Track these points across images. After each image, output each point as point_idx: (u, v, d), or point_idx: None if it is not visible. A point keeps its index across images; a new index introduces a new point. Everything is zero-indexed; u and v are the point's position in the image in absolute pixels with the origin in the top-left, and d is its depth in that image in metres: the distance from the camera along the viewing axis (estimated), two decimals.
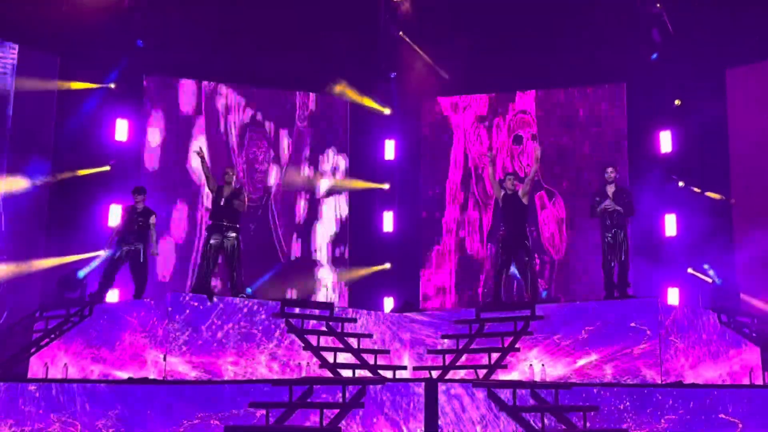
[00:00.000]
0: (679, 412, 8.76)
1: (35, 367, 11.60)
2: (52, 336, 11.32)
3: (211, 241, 11.25)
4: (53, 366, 11.38)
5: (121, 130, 14.77)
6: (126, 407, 9.14)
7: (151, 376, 9.99)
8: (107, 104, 14.61)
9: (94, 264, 13.90)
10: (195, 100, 15.89)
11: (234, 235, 11.36)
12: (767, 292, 13.82)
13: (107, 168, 14.40)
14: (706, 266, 14.03)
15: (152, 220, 11.84)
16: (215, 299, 10.55)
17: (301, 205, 16.42)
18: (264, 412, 8.55)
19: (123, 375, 10.38)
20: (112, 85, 14.65)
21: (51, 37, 14.13)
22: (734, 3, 13.80)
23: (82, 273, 13.53)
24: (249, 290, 14.27)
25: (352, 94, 16.42)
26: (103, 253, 14.12)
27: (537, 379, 10.39)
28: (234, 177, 11.51)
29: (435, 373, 10.70)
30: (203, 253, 11.32)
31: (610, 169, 11.35)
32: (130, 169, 14.82)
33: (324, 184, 16.57)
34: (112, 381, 10.08)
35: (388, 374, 10.87)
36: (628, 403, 8.78)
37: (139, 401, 9.13)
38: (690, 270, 14.16)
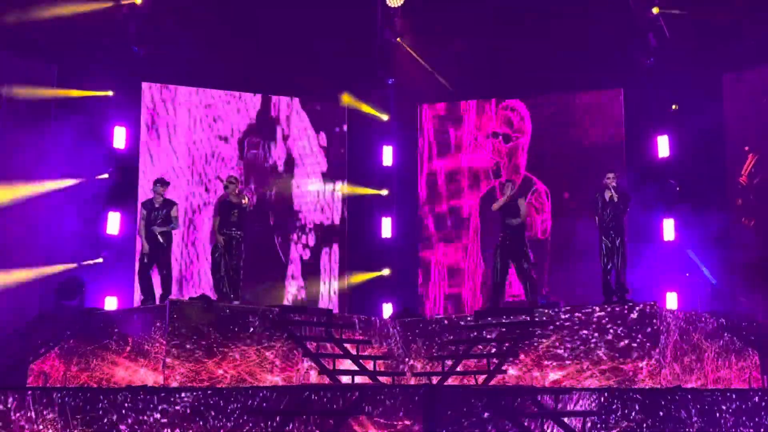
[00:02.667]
0: (678, 417, 8.76)
1: (34, 376, 11.58)
2: (51, 344, 11.30)
3: (221, 250, 11.33)
4: (52, 374, 11.36)
5: (119, 137, 14.77)
6: (125, 415, 9.11)
7: (150, 384, 9.97)
8: (105, 112, 14.59)
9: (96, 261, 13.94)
10: (193, 107, 15.88)
11: (238, 243, 11.43)
12: (766, 295, 13.82)
13: (105, 176, 14.38)
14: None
15: (174, 212, 11.74)
16: (217, 305, 10.56)
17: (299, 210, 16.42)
18: (263, 419, 8.54)
19: (122, 382, 10.36)
20: (110, 93, 14.64)
21: (48, 46, 14.13)
22: (731, 8, 13.82)
23: (80, 281, 13.49)
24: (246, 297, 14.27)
25: (357, 103, 16.44)
26: (100, 261, 14.13)
27: (536, 384, 10.38)
28: (237, 188, 11.55)
29: (434, 379, 10.70)
30: (215, 263, 11.42)
31: (611, 175, 11.37)
32: (128, 177, 14.80)
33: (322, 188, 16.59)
34: (110, 389, 10.06)
35: (388, 380, 10.87)
36: (627, 408, 8.77)
37: (137, 409, 9.10)
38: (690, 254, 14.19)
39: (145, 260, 11.64)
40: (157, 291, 11.77)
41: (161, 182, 11.90)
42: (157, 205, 11.69)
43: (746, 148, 14.42)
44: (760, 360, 11.49)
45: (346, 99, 16.40)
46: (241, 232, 11.60)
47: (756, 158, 14.31)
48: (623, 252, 11.24)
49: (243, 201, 11.57)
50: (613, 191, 11.26)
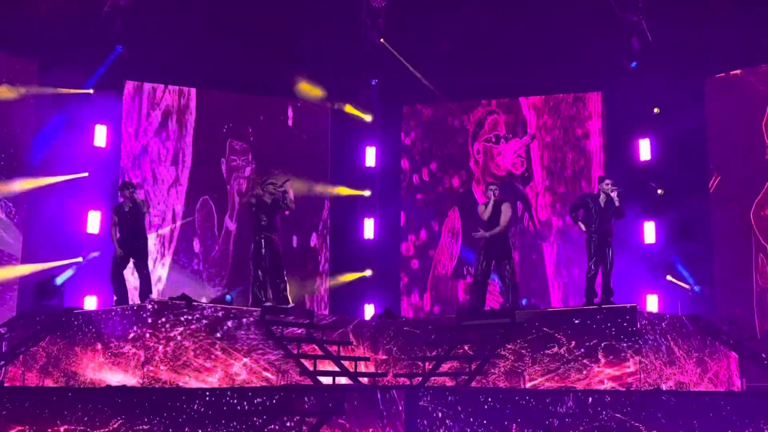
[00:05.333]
0: (657, 419, 8.79)
1: (12, 376, 11.48)
2: (29, 344, 11.21)
3: (263, 252, 11.39)
4: (29, 374, 11.27)
5: (100, 135, 14.66)
6: (102, 415, 9.04)
7: (130, 384, 9.91)
8: (86, 109, 14.49)
9: (70, 272, 13.77)
10: (174, 106, 15.79)
11: (276, 244, 11.55)
12: (745, 299, 13.92)
13: (85, 174, 14.28)
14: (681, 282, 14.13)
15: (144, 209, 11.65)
16: (198, 305, 10.51)
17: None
18: (243, 420, 8.50)
19: (101, 383, 10.29)
20: (91, 91, 14.54)
21: (29, 42, 14.02)
22: (713, 11, 13.91)
23: (59, 280, 13.40)
24: (229, 297, 14.22)
25: (311, 89, 16.34)
26: (80, 260, 14.03)
27: (517, 385, 10.40)
28: (277, 189, 11.55)
29: (415, 380, 10.70)
30: (259, 267, 11.41)
31: (609, 182, 11.29)
32: (108, 175, 14.70)
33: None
34: (89, 389, 9.99)
35: (369, 381, 10.86)
36: (606, 410, 8.79)
37: (116, 409, 9.03)
38: (669, 277, 14.24)
39: (119, 263, 11.54)
40: (133, 292, 11.70)
41: (126, 185, 11.74)
42: (126, 209, 11.53)
43: (711, 167, 14.53)
44: (739, 363, 11.56)
45: (348, 107, 16.34)
46: (276, 234, 11.75)
47: (719, 179, 14.41)
48: (611, 254, 11.25)
49: (284, 202, 11.70)
50: (615, 195, 11.17)
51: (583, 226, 11.28)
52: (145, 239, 11.79)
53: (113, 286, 11.54)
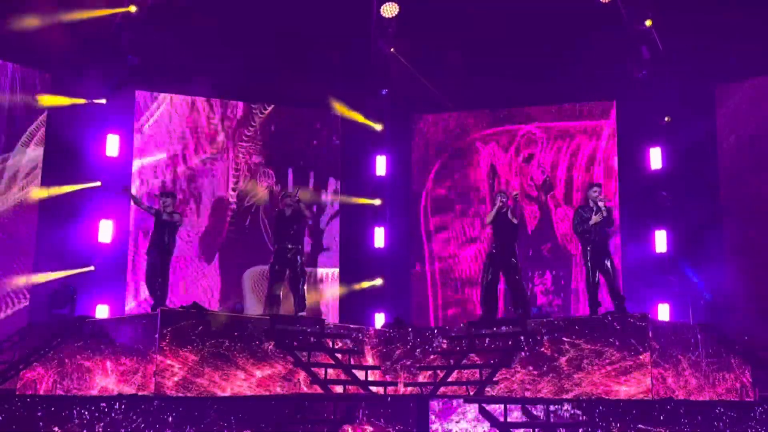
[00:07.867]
0: (668, 429, 8.76)
1: (25, 383, 11.53)
2: (42, 352, 11.26)
3: (276, 267, 11.66)
4: (42, 382, 11.32)
5: (112, 145, 14.74)
6: (115, 424, 9.07)
7: (141, 393, 9.94)
8: (98, 120, 14.58)
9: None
10: (185, 116, 15.87)
11: (299, 257, 11.76)
12: (757, 306, 13.86)
13: (98, 183, 14.36)
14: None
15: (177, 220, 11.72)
16: (209, 314, 10.54)
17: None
18: (254, 429, 8.52)
19: (112, 391, 10.32)
20: (103, 101, 14.63)
21: (42, 54, 14.13)
22: (723, 20, 13.90)
23: (71, 289, 13.46)
24: (240, 306, 14.26)
25: (345, 110, 16.44)
26: (92, 269, 14.09)
27: (527, 394, 10.37)
28: (295, 199, 11.77)
29: (426, 390, 10.69)
30: (271, 278, 11.67)
31: (597, 189, 11.34)
32: (121, 185, 14.75)
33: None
34: (100, 397, 10.02)
35: (379, 390, 10.86)
36: (618, 420, 8.77)
37: (128, 418, 9.06)
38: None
39: (152, 270, 11.62)
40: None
41: (168, 195, 11.84)
42: (163, 218, 11.55)
43: (721, 175, 14.52)
44: (752, 372, 11.50)
45: (339, 107, 16.37)
46: (300, 245, 11.90)
47: (730, 186, 14.38)
48: (612, 261, 11.21)
49: (301, 214, 11.91)
50: (601, 205, 11.16)
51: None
52: (169, 252, 11.78)
53: (149, 289, 11.64)
